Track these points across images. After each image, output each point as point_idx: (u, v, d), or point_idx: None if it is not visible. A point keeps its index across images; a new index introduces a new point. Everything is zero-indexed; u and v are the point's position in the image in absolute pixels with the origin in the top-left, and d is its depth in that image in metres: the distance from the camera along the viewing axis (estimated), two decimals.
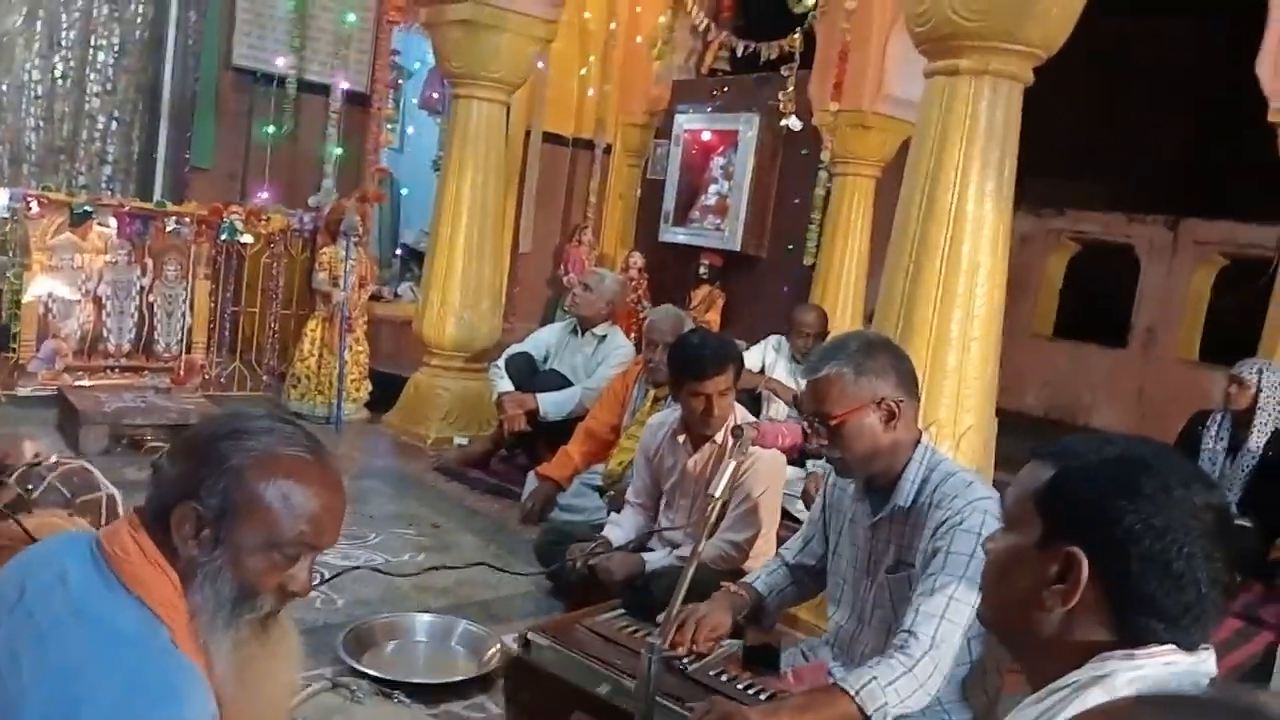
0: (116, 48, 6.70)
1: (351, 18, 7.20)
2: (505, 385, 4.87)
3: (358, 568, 3.51)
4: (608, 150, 8.81)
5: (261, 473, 1.30)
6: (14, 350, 5.42)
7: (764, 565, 2.61)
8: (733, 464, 2.03)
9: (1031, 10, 2.92)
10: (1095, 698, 1.05)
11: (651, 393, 4.18)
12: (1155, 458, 1.12)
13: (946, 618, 1.97)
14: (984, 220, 3.04)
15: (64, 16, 6.49)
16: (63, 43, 6.53)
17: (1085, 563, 1.08)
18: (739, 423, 2.13)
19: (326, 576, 3.37)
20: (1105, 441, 1.16)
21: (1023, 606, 1.15)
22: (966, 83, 3.03)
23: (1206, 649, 1.10)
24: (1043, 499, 1.15)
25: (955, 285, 3.02)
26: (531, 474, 4.43)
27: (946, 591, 1.99)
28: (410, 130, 9.07)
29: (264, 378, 6.23)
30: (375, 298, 6.77)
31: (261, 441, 1.32)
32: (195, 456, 1.31)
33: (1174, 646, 1.07)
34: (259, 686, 1.33)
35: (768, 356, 5.38)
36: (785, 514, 3.61)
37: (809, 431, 2.18)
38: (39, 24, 6.42)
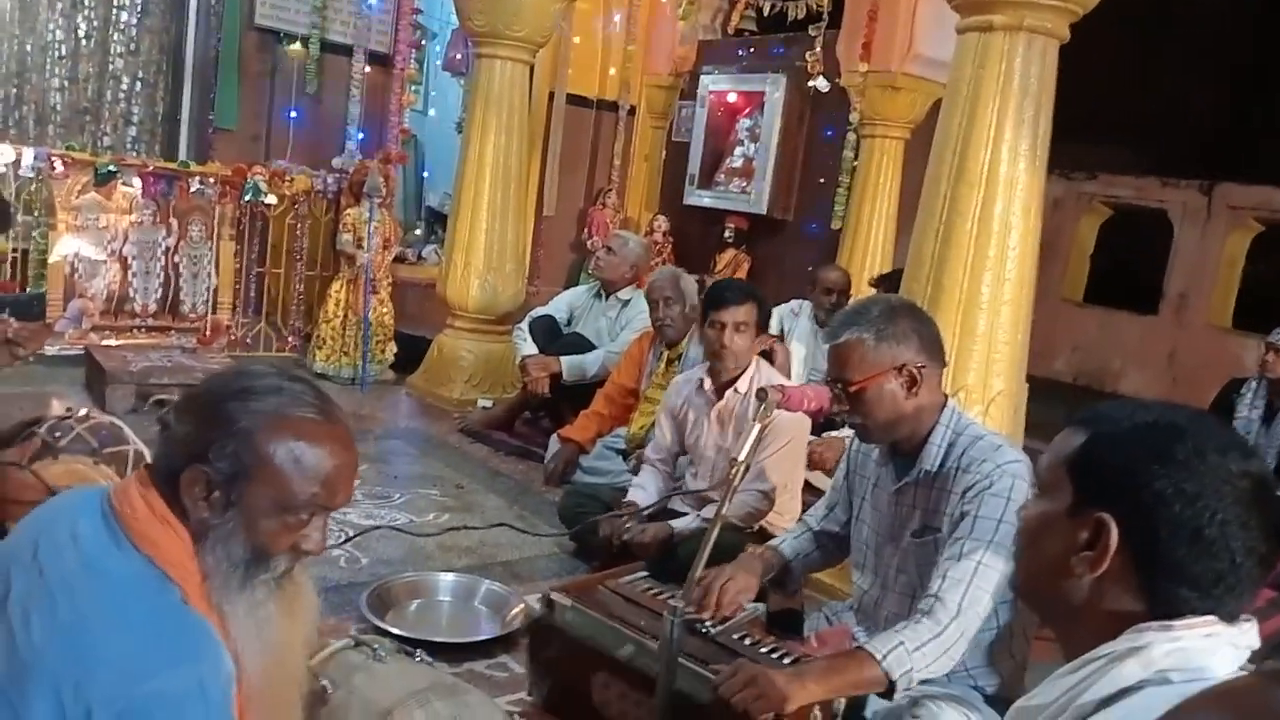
0: (139, 7, 6.69)
1: None
2: (529, 348, 4.87)
3: (382, 527, 3.52)
4: (632, 112, 8.71)
5: (271, 435, 1.28)
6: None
7: (789, 530, 2.59)
8: (757, 427, 2.00)
9: None
10: (1131, 670, 1.02)
11: (665, 354, 4.17)
12: (1190, 423, 1.09)
13: (974, 583, 1.95)
14: (1017, 181, 2.97)
15: None
16: (86, 2, 6.53)
17: (1114, 528, 1.06)
18: (764, 385, 2.09)
19: (350, 535, 3.39)
20: (1140, 408, 1.13)
21: (1053, 574, 1.12)
22: (1001, 39, 2.95)
23: (1248, 620, 1.07)
24: (1074, 465, 1.12)
25: (986, 248, 2.96)
26: (554, 436, 4.44)
27: (974, 556, 1.96)
28: (434, 93, 9.02)
29: (289, 339, 6.25)
30: (400, 260, 6.77)
31: (269, 402, 1.30)
32: (203, 417, 1.29)
33: (1214, 618, 1.04)
34: (275, 645, 1.32)
35: (786, 321, 5.31)
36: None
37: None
38: None
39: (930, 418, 2.14)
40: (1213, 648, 1.03)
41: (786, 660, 2.12)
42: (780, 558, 2.43)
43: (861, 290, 6.17)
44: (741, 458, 1.96)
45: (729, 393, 3.27)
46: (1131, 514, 1.06)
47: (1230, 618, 1.05)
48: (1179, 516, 1.03)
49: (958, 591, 1.95)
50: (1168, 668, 1.01)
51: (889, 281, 4.78)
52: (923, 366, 2.09)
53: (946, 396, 2.21)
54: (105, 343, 5.45)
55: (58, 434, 2.30)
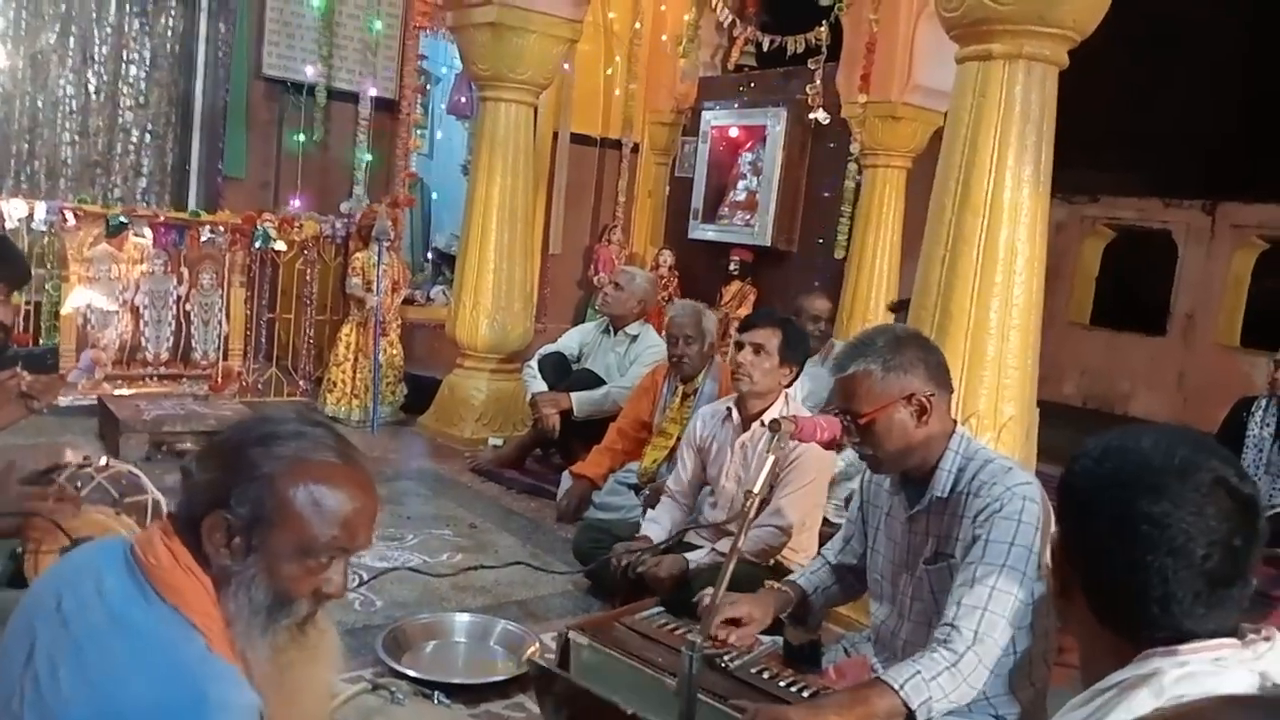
0: (148, 61, 6.79)
1: (378, 25, 7.24)
2: (539, 385, 4.88)
3: (396, 569, 3.52)
4: (635, 149, 8.79)
5: (292, 480, 1.29)
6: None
7: (809, 564, 2.58)
8: (771, 459, 2.01)
9: None
10: (1143, 699, 1.02)
11: (680, 388, 4.17)
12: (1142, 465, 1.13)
13: (989, 609, 1.94)
14: (1021, 206, 2.99)
15: (96, 32, 6.59)
16: (95, 58, 6.62)
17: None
18: (777, 416, 2.10)
19: (365, 578, 3.38)
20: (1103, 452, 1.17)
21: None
22: (1000, 67, 2.98)
23: (1268, 641, 1.06)
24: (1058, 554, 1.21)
25: (993, 273, 2.98)
26: (566, 473, 4.44)
27: (988, 582, 1.95)
28: (439, 135, 9.12)
29: (300, 383, 6.28)
30: (408, 302, 6.81)
31: (291, 447, 1.31)
32: (224, 464, 1.31)
33: (1222, 640, 1.05)
34: (299, 690, 1.33)
35: None
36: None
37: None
38: (72, 40, 6.53)
39: (940, 445, 2.14)
40: (1223, 671, 1.03)
41: (805, 693, 2.10)
42: (799, 591, 2.42)
43: (870, 321, 6.21)
44: (756, 489, 1.96)
45: (755, 425, 3.26)
46: (1092, 581, 1.13)
47: (1218, 632, 1.06)
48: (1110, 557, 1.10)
49: (973, 618, 1.94)
50: (1182, 694, 1.01)
51: (907, 308, 4.79)
52: (931, 395, 2.09)
53: (955, 423, 2.21)
54: (118, 392, 5.48)
55: (78, 484, 2.32)
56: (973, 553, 2.00)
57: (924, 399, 2.08)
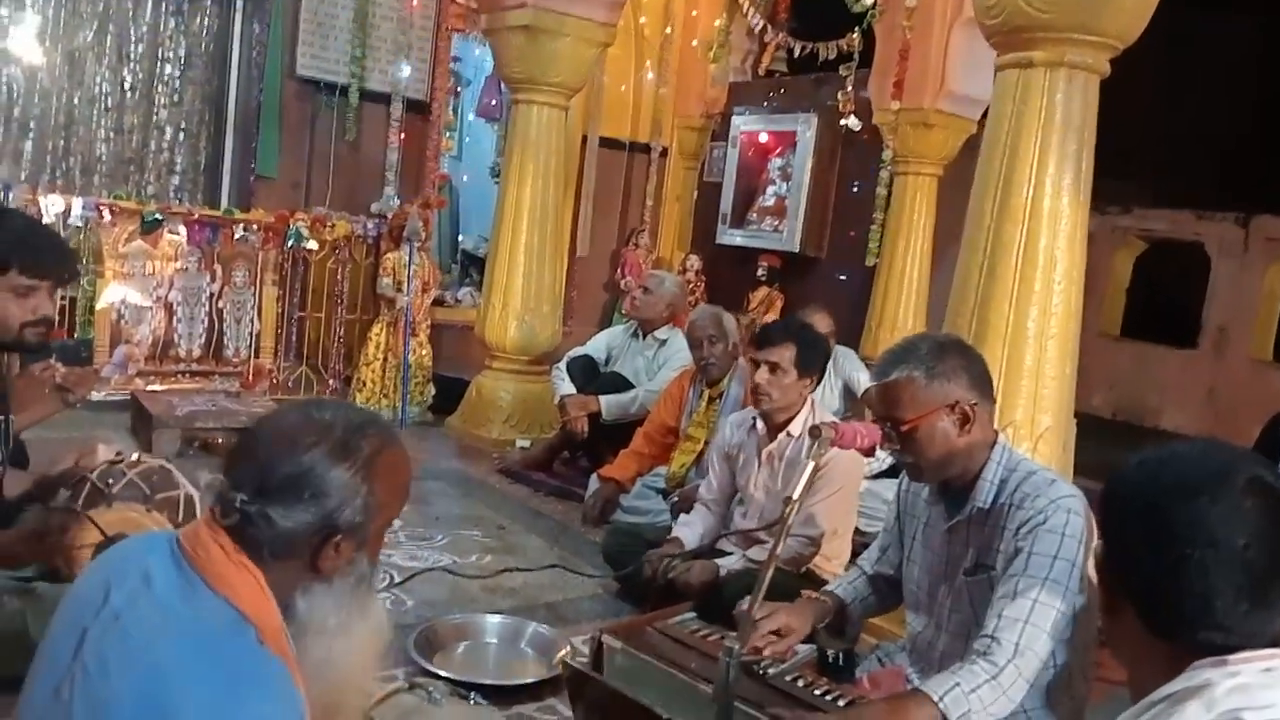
0: (183, 60, 6.85)
1: (412, 27, 7.27)
2: (567, 388, 4.89)
3: (430, 569, 3.53)
4: (664, 153, 8.79)
5: (388, 477, 1.36)
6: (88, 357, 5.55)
7: (844, 575, 2.56)
8: (811, 464, 1.99)
9: (1107, 0, 2.84)
10: (1193, 711, 1.01)
11: (706, 392, 4.17)
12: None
13: (1031, 622, 1.92)
14: (1061, 215, 2.97)
15: (132, 31, 6.65)
16: (131, 56, 6.68)
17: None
18: (817, 422, 2.09)
19: (396, 579, 3.39)
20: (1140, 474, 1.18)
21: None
22: (1041, 75, 2.96)
23: None
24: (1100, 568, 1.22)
25: (1032, 282, 2.95)
26: (594, 476, 4.44)
27: (1030, 595, 1.93)
28: (467, 139, 9.15)
29: (330, 382, 6.31)
30: (437, 303, 6.83)
31: (370, 444, 1.34)
32: (315, 490, 1.30)
33: (1276, 650, 1.03)
34: (358, 650, 1.40)
35: None
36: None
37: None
38: (108, 38, 6.59)
39: (982, 454, 2.12)
40: (1275, 684, 1.02)
41: (840, 702, 2.09)
42: (837, 600, 2.40)
43: (900, 330, 6.17)
44: (795, 495, 1.95)
45: (781, 435, 3.25)
46: (1136, 587, 1.12)
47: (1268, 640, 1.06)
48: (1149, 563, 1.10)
49: (1014, 631, 1.92)
50: (1236, 706, 1.00)
51: None
52: (975, 403, 2.07)
53: (997, 433, 2.19)
54: (150, 388, 5.53)
55: (110, 480, 2.33)
56: (1015, 565, 1.98)
57: (967, 407, 2.06)
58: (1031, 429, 2.95)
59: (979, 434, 2.09)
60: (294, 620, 1.33)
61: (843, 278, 7.36)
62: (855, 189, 7.37)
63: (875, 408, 2.16)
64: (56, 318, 2.45)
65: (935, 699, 1.87)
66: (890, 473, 4.22)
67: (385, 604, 3.19)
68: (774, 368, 3.15)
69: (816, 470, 1.99)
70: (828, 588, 2.48)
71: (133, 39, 6.66)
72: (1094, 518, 1.21)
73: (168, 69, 6.82)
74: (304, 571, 1.33)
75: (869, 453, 2.16)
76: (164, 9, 6.74)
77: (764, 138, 8.04)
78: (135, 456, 2.54)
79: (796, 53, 7.55)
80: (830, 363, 4.69)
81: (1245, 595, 1.05)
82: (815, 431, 2.04)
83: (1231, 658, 1.03)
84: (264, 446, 1.32)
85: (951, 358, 2.10)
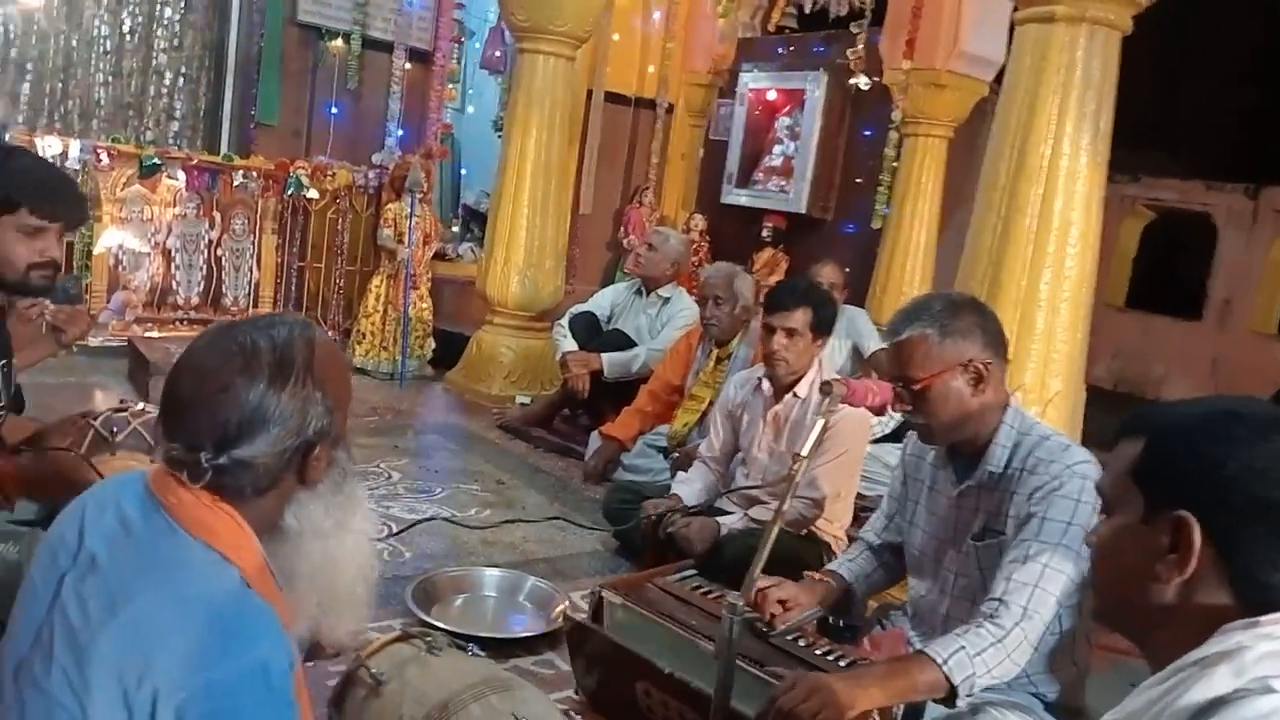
0: (183, 3, 6.75)
1: None
2: (569, 344, 4.84)
3: (430, 519, 3.51)
4: (670, 110, 8.67)
5: (331, 371, 1.34)
6: (86, 301, 5.50)
7: (846, 551, 2.52)
8: (821, 422, 1.95)
9: None
10: (1223, 677, 0.97)
11: (715, 352, 4.12)
12: (1243, 406, 1.07)
13: (1040, 586, 1.89)
14: (1079, 175, 2.90)
15: None
16: None
17: (1195, 524, 1.03)
18: (827, 379, 2.04)
19: (394, 529, 3.37)
20: (1188, 402, 1.13)
21: (1138, 587, 1.09)
22: (1062, 30, 2.88)
23: None
24: (1139, 470, 1.10)
25: (1046, 244, 2.89)
26: (596, 433, 4.41)
27: (1041, 559, 1.90)
28: (470, 91, 9.03)
29: (329, 333, 6.26)
30: (438, 257, 6.77)
31: (303, 349, 1.31)
32: (267, 415, 1.26)
33: None
34: (357, 543, 1.41)
35: None
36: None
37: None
38: None
39: (994, 417, 2.08)
40: None
41: (842, 663, 2.07)
42: (841, 580, 2.36)
43: (906, 293, 6.13)
44: (804, 452, 1.91)
45: (788, 396, 3.21)
46: (1208, 505, 1.03)
47: None
48: (1255, 495, 1.01)
49: (1023, 595, 1.89)
50: (1266, 674, 0.96)
51: None
52: (989, 363, 2.03)
53: (1009, 395, 2.15)
54: (148, 334, 5.49)
55: (114, 428, 2.29)
56: (1027, 529, 1.94)
57: (981, 366, 2.02)
58: (1041, 393, 2.91)
59: (992, 395, 2.05)
60: (287, 536, 1.32)
61: (849, 240, 7.29)
62: (863, 150, 7.28)
63: (888, 367, 2.12)
64: (63, 262, 2.39)
65: (939, 661, 1.84)
66: (893, 437, 4.19)
67: (384, 555, 3.17)
68: (791, 333, 3.11)
69: (825, 428, 1.95)
70: (831, 567, 2.43)
71: None
72: (1133, 478, 1.13)
73: (167, 12, 6.72)
74: (290, 490, 1.32)
75: (879, 411, 2.12)
76: None
77: (772, 95, 7.93)
78: (140, 406, 2.50)
79: (807, 8, 7.43)
80: (842, 321, 4.65)
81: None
82: (826, 388, 2.00)
83: (1264, 619, 1.00)
84: (202, 397, 1.26)
85: (966, 316, 2.06)
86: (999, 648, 1.87)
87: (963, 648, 1.86)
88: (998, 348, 2.08)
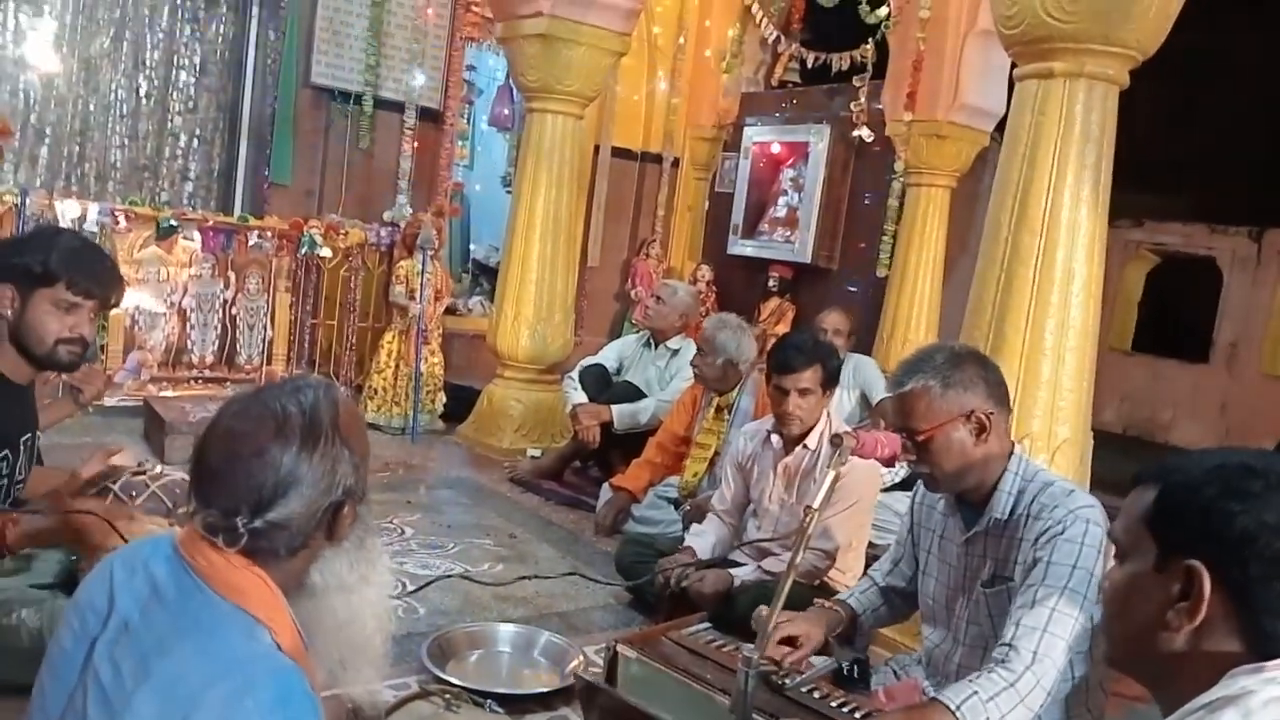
0: (198, 67, 6.88)
1: (426, 36, 7.29)
2: (579, 397, 4.88)
3: (447, 576, 3.53)
4: (675, 164, 8.80)
5: (353, 429, 1.40)
6: (102, 362, 5.56)
7: (856, 585, 2.55)
8: (832, 474, 1.98)
9: (1129, 11, 2.83)
10: (1229, 719, 0.99)
11: (715, 401, 4.15)
12: (1257, 460, 1.10)
13: (1049, 630, 1.91)
14: (1079, 226, 2.95)
15: (148, 38, 6.69)
16: (147, 63, 6.72)
17: (1205, 574, 1.05)
18: (838, 431, 2.08)
19: (409, 587, 3.38)
20: (1203, 453, 1.15)
21: (1149, 633, 1.11)
22: (1060, 85, 2.95)
23: None
24: (1153, 519, 1.13)
25: (1049, 294, 2.94)
26: (606, 485, 4.42)
27: (1048, 604, 1.93)
28: (479, 149, 9.17)
29: (341, 389, 6.31)
30: (449, 311, 6.84)
31: (329, 410, 1.36)
32: (300, 476, 1.30)
33: None
34: (377, 596, 1.46)
35: None
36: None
37: None
38: (125, 45, 6.62)
39: (999, 465, 2.11)
40: None
41: (858, 715, 2.08)
42: (849, 610, 2.40)
43: (912, 341, 6.17)
44: (816, 504, 1.94)
45: (798, 448, 3.24)
46: (1220, 556, 1.05)
47: None
48: (1266, 548, 1.03)
49: (1032, 639, 1.91)
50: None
51: None
52: (991, 413, 2.07)
53: (1014, 443, 2.18)
54: (163, 394, 5.54)
55: (133, 492, 2.33)
56: (1033, 575, 1.97)
57: (983, 416, 2.05)
58: (1049, 441, 2.93)
59: (996, 444, 2.09)
60: (313, 593, 1.35)
61: (854, 289, 7.35)
62: (867, 200, 7.37)
63: (892, 418, 2.16)
64: (92, 340, 2.45)
65: (952, 708, 1.86)
66: (903, 485, 4.21)
67: (398, 612, 3.18)
68: (804, 393, 3.15)
69: (836, 480, 1.98)
70: (840, 597, 2.47)
71: (148, 46, 6.69)
72: (1146, 526, 1.15)
73: (183, 76, 6.85)
74: (319, 548, 1.36)
75: (889, 462, 2.15)
76: (180, 16, 6.77)
77: (776, 148, 8.04)
78: (157, 469, 2.54)
79: (810, 63, 7.57)
80: (849, 369, 4.68)
81: None
82: (837, 441, 2.03)
83: (1269, 664, 1.02)
84: (236, 463, 1.29)
85: (968, 367, 2.10)
86: (1012, 692, 1.88)
87: (975, 693, 1.88)
88: (1000, 398, 2.12)
